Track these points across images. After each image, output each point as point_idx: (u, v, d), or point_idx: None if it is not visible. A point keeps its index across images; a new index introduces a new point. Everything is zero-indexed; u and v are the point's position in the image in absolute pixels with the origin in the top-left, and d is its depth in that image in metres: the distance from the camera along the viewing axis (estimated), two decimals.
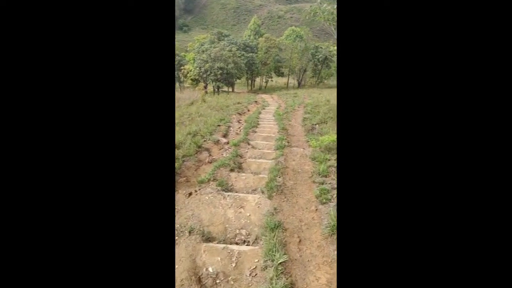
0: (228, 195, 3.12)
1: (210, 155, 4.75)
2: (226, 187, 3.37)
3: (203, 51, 20.52)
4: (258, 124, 7.16)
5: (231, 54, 19.90)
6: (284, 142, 5.21)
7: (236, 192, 3.35)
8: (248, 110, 9.92)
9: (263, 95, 18.07)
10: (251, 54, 23.80)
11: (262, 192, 3.23)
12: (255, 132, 6.31)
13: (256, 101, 13.05)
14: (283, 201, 3.04)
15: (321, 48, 25.84)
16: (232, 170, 3.86)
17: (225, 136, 5.96)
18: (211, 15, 74.78)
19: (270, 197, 3.08)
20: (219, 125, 6.59)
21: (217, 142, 5.41)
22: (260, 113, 9.20)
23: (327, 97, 12.44)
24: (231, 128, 6.61)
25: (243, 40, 26.79)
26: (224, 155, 4.72)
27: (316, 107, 9.19)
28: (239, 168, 4.07)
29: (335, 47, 26.33)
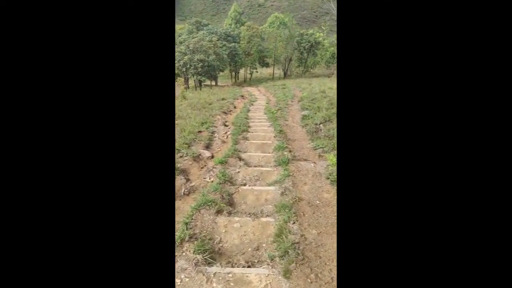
0: (215, 273, 1.82)
1: (187, 180, 3.42)
2: (211, 252, 2.05)
3: (180, 43, 18.54)
4: (249, 126, 5.84)
5: (212, 45, 18.08)
6: (286, 154, 3.94)
7: (229, 261, 2.04)
8: (235, 107, 8.56)
9: (249, 88, 16.64)
10: (233, 44, 21.91)
11: (272, 261, 1.96)
12: (246, 138, 4.99)
13: (242, 96, 11.68)
14: (310, 282, 1.78)
15: (307, 35, 24.39)
16: (219, 212, 2.56)
17: (208, 147, 4.62)
18: (189, 5, 71.19)
19: (286, 273, 1.81)
20: (200, 132, 5.23)
21: (197, 158, 4.06)
22: (249, 110, 7.86)
23: (320, 87, 11.22)
24: (215, 134, 5.27)
25: (224, 29, 24.74)
26: (207, 179, 3.40)
27: (313, 101, 7.94)
28: (230, 204, 2.76)
29: (321, 34, 25.06)
